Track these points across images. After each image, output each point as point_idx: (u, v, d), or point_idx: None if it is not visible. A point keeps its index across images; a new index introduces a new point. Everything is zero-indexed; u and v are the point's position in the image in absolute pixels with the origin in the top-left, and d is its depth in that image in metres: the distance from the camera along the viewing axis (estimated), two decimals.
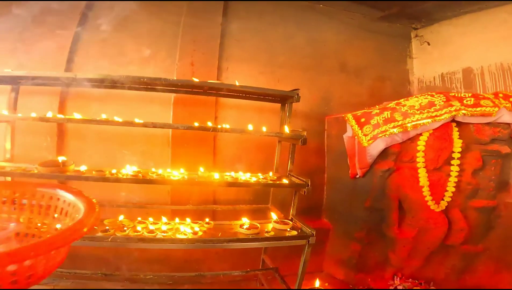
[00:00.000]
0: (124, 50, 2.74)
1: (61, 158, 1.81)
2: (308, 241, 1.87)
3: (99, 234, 1.67)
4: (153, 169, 1.97)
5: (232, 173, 2.03)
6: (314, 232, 1.89)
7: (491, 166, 2.30)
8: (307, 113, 2.85)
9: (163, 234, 1.70)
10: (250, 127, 1.95)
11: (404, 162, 2.37)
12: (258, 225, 1.91)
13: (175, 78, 2.10)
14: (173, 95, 2.69)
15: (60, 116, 1.98)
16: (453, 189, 2.33)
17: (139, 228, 1.74)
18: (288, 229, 1.93)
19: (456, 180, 2.32)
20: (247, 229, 1.86)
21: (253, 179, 1.94)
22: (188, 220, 1.90)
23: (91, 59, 2.70)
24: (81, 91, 2.63)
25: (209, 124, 1.99)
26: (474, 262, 2.48)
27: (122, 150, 2.62)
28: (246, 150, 2.80)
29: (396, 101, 2.42)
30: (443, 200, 2.36)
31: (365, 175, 2.46)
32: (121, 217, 1.84)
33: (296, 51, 2.91)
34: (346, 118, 2.54)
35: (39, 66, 2.61)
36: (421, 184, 2.32)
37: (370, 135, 2.31)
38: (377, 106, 2.57)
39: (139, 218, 1.85)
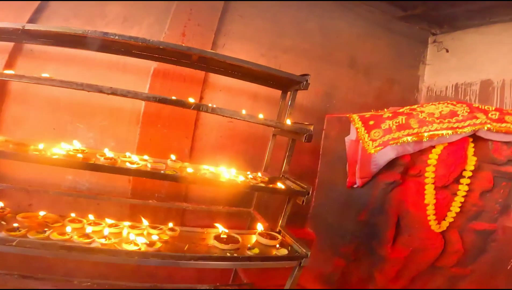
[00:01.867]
0: (104, 10, 2.07)
1: None
2: (300, 263, 1.37)
3: (2, 233, 1.03)
4: (106, 150, 1.34)
5: (212, 168, 1.46)
6: (309, 253, 1.38)
7: (500, 189, 1.94)
8: (307, 107, 2.35)
9: (102, 241, 1.10)
10: (244, 111, 1.39)
11: (410, 175, 1.94)
12: (239, 237, 1.36)
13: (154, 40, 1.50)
14: (153, 65, 2.06)
15: None
16: (458, 210, 1.95)
17: (68, 229, 1.12)
18: (277, 246, 1.41)
19: (462, 200, 1.93)
20: (224, 242, 1.30)
21: (240, 179, 1.38)
22: (145, 222, 1.30)
23: (61, 19, 2.01)
24: (38, 51, 1.93)
25: (191, 100, 1.41)
26: (458, 284, 2.15)
27: (76, 122, 1.95)
28: (231, 140, 2.24)
29: (409, 107, 1.98)
30: (445, 220, 1.98)
31: (364, 186, 2.01)
32: (42, 213, 1.20)
33: (305, 38, 2.39)
34: (351, 118, 2.06)
35: None
36: (426, 201, 1.90)
37: (378, 141, 1.84)
38: (385, 110, 2.12)
39: (73, 215, 1.23)
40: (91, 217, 1.24)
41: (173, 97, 1.37)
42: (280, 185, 1.45)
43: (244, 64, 1.51)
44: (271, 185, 1.43)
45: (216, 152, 2.20)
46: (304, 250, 1.38)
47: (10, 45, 1.87)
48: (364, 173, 1.91)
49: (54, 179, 1.85)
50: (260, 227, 1.53)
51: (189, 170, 1.33)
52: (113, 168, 1.13)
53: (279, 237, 1.47)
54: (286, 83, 1.77)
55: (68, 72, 1.95)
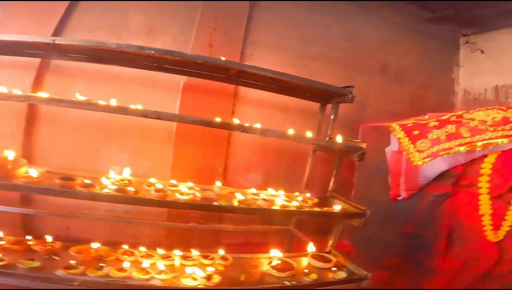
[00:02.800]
0: (128, 21, 2.05)
1: (10, 154, 1.13)
2: (360, 285, 1.30)
3: (60, 272, 1.00)
4: (152, 180, 1.30)
5: (263, 194, 1.39)
6: (370, 275, 1.32)
7: None
8: (340, 117, 2.23)
9: (161, 276, 1.06)
10: (291, 131, 1.34)
11: (461, 186, 1.84)
12: (293, 263, 1.30)
13: (192, 54, 1.45)
14: (183, 80, 2.02)
15: (17, 92, 1.27)
16: None
17: (125, 264, 1.08)
18: (332, 268, 1.34)
19: None
20: (278, 269, 1.24)
21: (294, 203, 1.32)
22: (194, 252, 1.25)
23: (85, 30, 1.99)
24: (65, 67, 1.92)
25: (236, 121, 1.36)
26: None
27: (110, 144, 1.93)
28: (264, 156, 2.18)
29: (454, 113, 1.89)
30: (500, 229, 1.88)
31: (410, 198, 1.92)
32: (95, 245, 1.16)
33: (332, 44, 2.32)
34: (391, 128, 1.97)
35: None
36: (481, 212, 1.80)
37: (426, 152, 1.75)
38: (426, 117, 2.03)
39: (126, 247, 1.19)
40: (143, 249, 1.20)
41: (218, 119, 1.33)
42: (336, 207, 1.38)
43: (287, 78, 1.46)
44: (325, 209, 1.36)
45: (250, 168, 2.15)
46: (364, 272, 1.31)
47: (36, 61, 1.85)
48: (411, 186, 1.82)
49: (86, 202, 1.83)
50: (311, 248, 1.46)
51: (239, 196, 1.28)
52: (167, 203, 1.09)
53: (333, 258, 1.40)
54: (326, 96, 1.72)
55: (97, 89, 1.93)
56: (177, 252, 1.23)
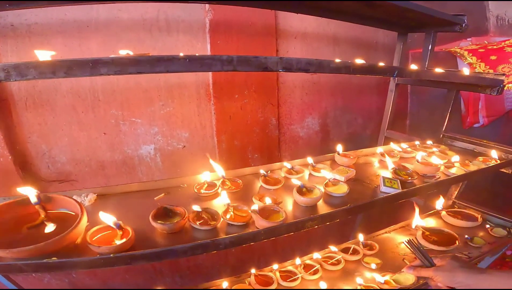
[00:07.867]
0: None
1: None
2: None
3: None
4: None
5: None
6: None
7: None
8: (388, 45, 1.94)
9: None
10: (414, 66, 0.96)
11: None
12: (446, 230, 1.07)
13: None
14: (207, 16, 1.38)
15: None
16: None
17: None
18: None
19: None
20: (436, 242, 1.01)
21: (436, 161, 1.01)
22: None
23: None
24: (24, 25, 1.11)
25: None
26: None
27: (131, 118, 1.34)
28: (318, 96, 1.78)
29: None
30: None
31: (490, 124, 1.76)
32: None
33: None
34: (458, 54, 1.70)
35: None
36: None
37: None
38: (469, 40, 1.82)
39: None
40: None
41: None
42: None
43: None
44: None
45: (304, 114, 1.77)
46: None
47: None
48: (493, 111, 1.65)
49: None
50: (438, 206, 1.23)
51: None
52: None
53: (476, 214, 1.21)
54: (414, 25, 1.38)
55: (87, 48, 1.23)
56: None
